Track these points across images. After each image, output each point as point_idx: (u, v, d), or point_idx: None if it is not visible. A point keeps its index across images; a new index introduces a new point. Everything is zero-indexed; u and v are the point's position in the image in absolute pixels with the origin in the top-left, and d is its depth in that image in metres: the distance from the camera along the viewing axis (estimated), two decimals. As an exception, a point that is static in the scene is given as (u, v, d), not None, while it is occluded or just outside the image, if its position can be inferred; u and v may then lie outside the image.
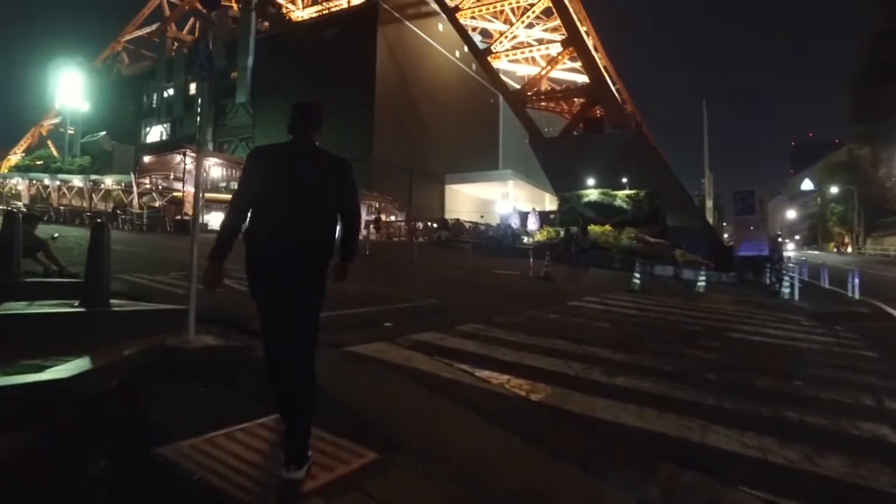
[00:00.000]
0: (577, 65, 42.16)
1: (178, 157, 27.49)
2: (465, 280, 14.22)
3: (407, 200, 46.87)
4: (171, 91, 61.44)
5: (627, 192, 28.10)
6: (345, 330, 6.04)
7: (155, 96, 63.32)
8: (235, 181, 32.80)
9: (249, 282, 2.71)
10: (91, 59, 74.64)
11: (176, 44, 65.23)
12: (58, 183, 36.18)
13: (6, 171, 54.45)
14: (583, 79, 41.30)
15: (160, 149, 29.75)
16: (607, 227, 25.11)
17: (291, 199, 2.70)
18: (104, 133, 48.72)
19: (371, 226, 30.81)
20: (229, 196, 28.32)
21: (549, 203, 57.38)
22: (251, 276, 2.70)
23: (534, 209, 29.24)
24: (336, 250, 2.88)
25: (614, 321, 8.58)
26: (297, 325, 2.73)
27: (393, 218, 41.54)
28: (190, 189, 26.48)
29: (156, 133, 61.78)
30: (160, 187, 31.72)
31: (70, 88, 45.06)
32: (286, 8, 66.48)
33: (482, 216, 43.37)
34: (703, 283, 15.01)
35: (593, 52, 39.12)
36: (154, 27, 73.90)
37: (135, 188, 30.44)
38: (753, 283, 18.66)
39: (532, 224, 26.77)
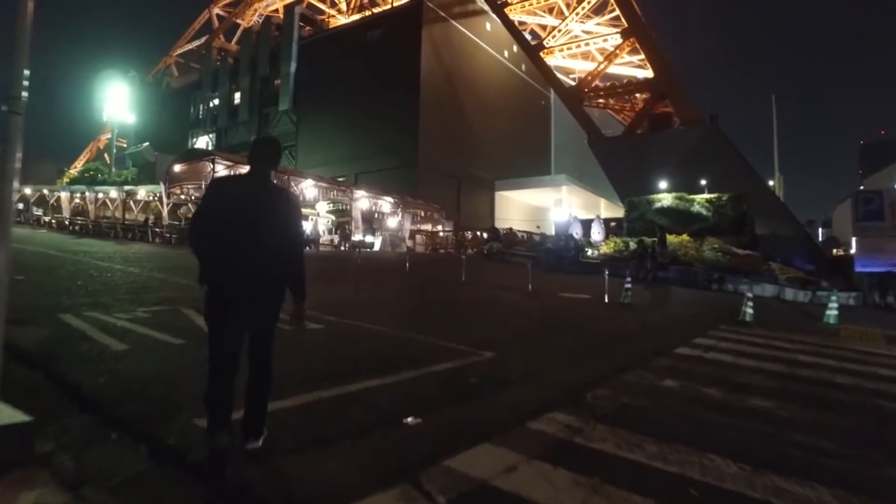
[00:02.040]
0: (637, 59, 38.72)
1: (210, 166, 25.63)
2: (526, 309, 11.23)
3: (455, 209, 44.17)
4: (216, 101, 61.11)
5: (707, 196, 24.41)
6: (326, 447, 3.26)
7: (201, 107, 63.21)
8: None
9: (209, 301, 3.04)
10: (144, 73, 75.88)
11: (221, 54, 64.89)
12: (93, 194, 35.29)
13: (63, 184, 55.06)
14: (643, 73, 37.84)
15: (190, 157, 27.99)
16: (685, 236, 21.63)
17: (246, 226, 2.97)
18: (147, 144, 48.27)
19: (414, 237, 28.29)
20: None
21: (605, 209, 53.64)
22: (212, 297, 3.03)
23: (598, 217, 26.03)
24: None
25: (773, 392, 5.46)
26: (256, 338, 3.10)
27: (440, 228, 38.90)
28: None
29: (202, 143, 61.47)
30: (193, 197, 30.20)
31: (118, 101, 44.85)
32: (329, 15, 65.61)
33: (538, 226, 40.16)
34: (835, 312, 11.57)
35: (656, 44, 35.41)
36: (203, 40, 74.39)
37: (164, 198, 28.89)
38: (886, 306, 14.93)
39: (596, 234, 23.55)
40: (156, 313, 7.50)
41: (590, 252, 22.47)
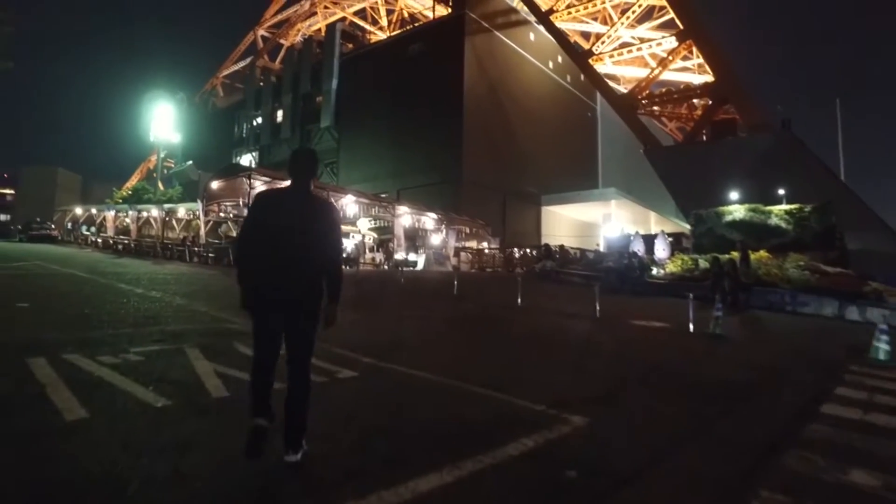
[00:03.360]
0: (693, 63, 36.40)
1: (247, 182, 24.70)
2: (603, 345, 9.31)
3: (500, 225, 42.37)
4: (259, 119, 61.52)
5: (786, 207, 21.86)
6: None
7: (245, 126, 63.78)
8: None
9: (254, 310, 3.21)
10: (192, 94, 77.60)
11: (265, 74, 65.50)
12: (136, 213, 35.12)
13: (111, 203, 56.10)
14: (701, 78, 35.44)
15: (227, 173, 27.22)
16: (763, 252, 19.28)
17: (289, 237, 3.19)
18: (190, 163, 48.49)
19: (458, 255, 26.63)
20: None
21: (655, 223, 50.96)
22: (256, 306, 3.21)
23: (662, 232, 23.75)
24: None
25: None
26: (295, 346, 3.27)
27: (485, 245, 37.16)
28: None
29: (245, 161, 61.84)
30: (232, 215, 29.45)
31: (164, 121, 45.30)
32: (370, 32, 65.62)
33: (597, 244, 37.94)
34: None
35: (716, 44, 33.05)
36: (248, 60, 75.53)
37: (201, 216, 28.19)
38: None
39: (661, 251, 21.36)
40: (152, 355, 6.04)
41: (655, 271, 20.32)
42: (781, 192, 23.96)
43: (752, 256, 18.39)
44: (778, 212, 21.44)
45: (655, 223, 50.58)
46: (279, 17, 76.04)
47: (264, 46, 75.05)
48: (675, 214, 54.87)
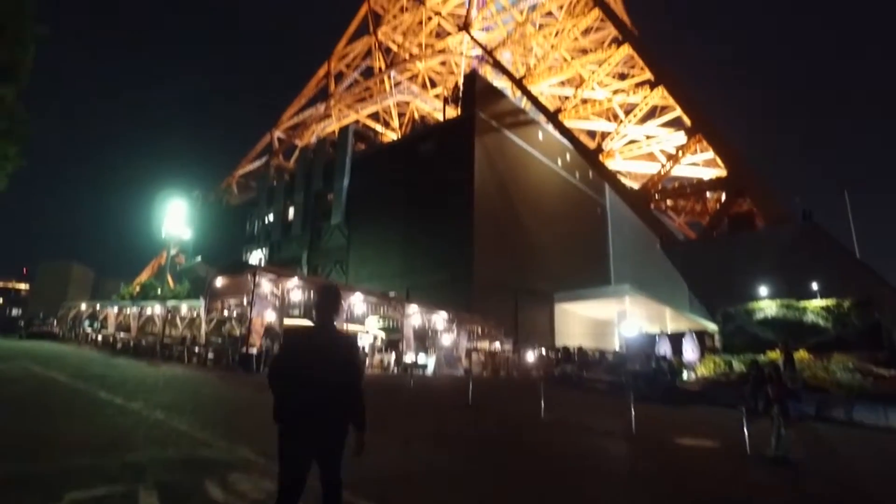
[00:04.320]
0: (702, 157, 36.46)
1: (252, 279, 23.81)
2: (653, 480, 7.76)
3: (512, 325, 40.85)
4: (270, 217, 62.06)
5: (823, 302, 20.47)
6: None
7: (256, 223, 64.23)
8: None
9: (281, 432, 3.50)
10: (208, 192, 79.33)
11: (278, 172, 67.03)
12: (137, 310, 34.18)
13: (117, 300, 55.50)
14: (714, 172, 35.32)
15: (231, 270, 26.44)
16: (802, 352, 17.72)
17: (314, 373, 3.54)
18: (199, 259, 48.21)
19: (470, 356, 25.07)
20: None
21: (671, 320, 49.24)
22: (283, 429, 3.50)
23: (690, 332, 22.31)
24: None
25: None
26: (324, 462, 3.54)
27: (498, 346, 35.54)
28: (257, 315, 22.51)
29: (255, 258, 61.72)
30: (235, 313, 28.35)
31: (177, 217, 45.72)
32: (383, 134, 67.79)
33: (621, 346, 36.21)
34: None
35: (726, 138, 33.10)
36: (263, 160, 77.78)
37: (203, 314, 27.15)
38: None
39: (690, 352, 19.83)
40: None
41: (686, 375, 18.69)
42: (815, 286, 22.66)
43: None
44: (814, 308, 20.05)
45: (671, 320, 48.86)
46: (295, 119, 79.06)
47: (280, 147, 77.46)
48: (690, 309, 53.18)
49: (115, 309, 37.91)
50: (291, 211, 59.66)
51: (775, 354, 15.90)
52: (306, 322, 30.58)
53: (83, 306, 44.22)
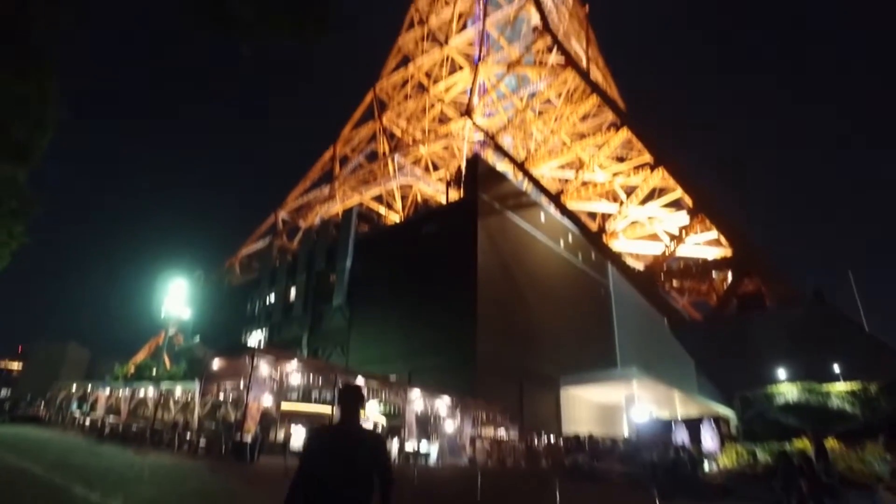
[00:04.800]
0: (706, 237, 36.39)
1: (250, 362, 22.99)
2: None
3: (517, 410, 39.29)
4: (272, 298, 61.60)
5: (848, 386, 19.46)
6: None
7: (258, 303, 63.67)
8: (323, 388, 27.85)
9: None
10: (210, 272, 79.35)
11: (281, 253, 67.27)
12: (129, 393, 32.90)
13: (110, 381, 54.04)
14: (719, 251, 35.13)
15: (229, 352, 25.66)
16: (832, 441, 16.61)
17: (342, 474, 3.62)
18: (197, 340, 47.27)
19: (474, 444, 23.72)
20: (312, 407, 22.32)
21: (680, 404, 47.47)
22: None
23: (708, 419, 21.08)
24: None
25: None
26: None
27: (503, 433, 33.95)
28: (254, 400, 21.50)
29: (254, 339, 60.69)
30: (231, 397, 27.22)
31: (177, 297, 45.17)
32: (386, 216, 68.63)
33: (631, 433, 34.64)
34: None
35: (729, 218, 33.16)
36: (267, 240, 78.28)
37: (197, 397, 26.03)
38: None
39: (710, 441, 18.68)
40: None
41: (707, 466, 17.47)
42: (836, 368, 21.70)
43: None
44: (839, 392, 19.05)
45: (680, 403, 47.11)
46: (300, 200, 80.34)
47: (283, 228, 78.18)
48: (699, 392, 51.40)
49: (106, 391, 36.58)
50: (293, 292, 59.26)
51: (802, 443, 14.89)
52: (305, 407, 29.32)
53: (73, 388, 42.75)
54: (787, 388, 20.02)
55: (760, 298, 29.41)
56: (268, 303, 62.23)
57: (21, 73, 10.40)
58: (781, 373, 23.04)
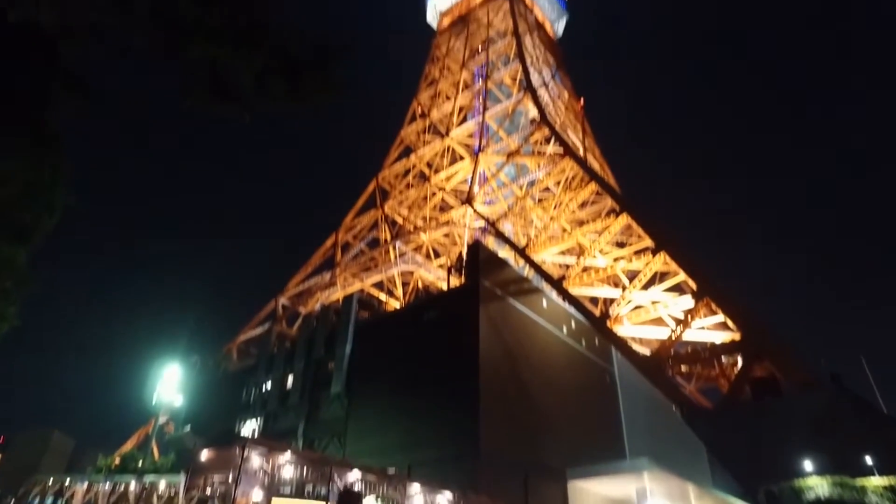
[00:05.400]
0: (712, 320, 35.80)
1: (240, 454, 21.83)
2: None
3: (523, 504, 37.00)
4: (268, 385, 59.93)
5: (885, 480, 18.13)
6: None
7: (254, 391, 61.82)
8: (317, 482, 26.30)
9: None
10: (206, 357, 77.62)
11: (280, 339, 66.32)
12: (108, 487, 31.02)
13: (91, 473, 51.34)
14: (728, 335, 34.44)
15: (219, 443, 24.45)
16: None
17: None
18: (188, 429, 45.39)
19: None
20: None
21: (695, 499, 44.78)
22: None
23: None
24: None
25: None
26: None
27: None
28: (243, 496, 20.17)
29: (249, 428, 58.36)
30: (219, 492, 25.58)
31: (170, 383, 43.91)
32: (386, 302, 68.28)
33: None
34: None
35: (735, 300, 32.76)
36: (266, 326, 77.29)
37: (181, 492, 24.47)
38: None
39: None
40: None
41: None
42: (868, 460, 20.39)
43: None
44: (875, 487, 17.74)
45: (695, 498, 44.36)
46: (301, 287, 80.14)
47: (283, 313, 77.45)
48: (713, 484, 48.68)
49: (84, 485, 34.52)
50: (290, 379, 57.68)
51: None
52: (298, 503, 27.62)
53: (50, 482, 40.39)
54: (816, 482, 18.71)
55: (774, 383, 28.38)
56: (264, 390, 60.39)
57: (35, 160, 10.32)
58: (807, 465, 21.64)
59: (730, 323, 32.35)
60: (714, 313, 33.97)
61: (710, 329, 36.59)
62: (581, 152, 62.95)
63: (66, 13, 7.34)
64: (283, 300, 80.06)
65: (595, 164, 65.43)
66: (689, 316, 34.17)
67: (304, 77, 8.32)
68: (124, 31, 7.77)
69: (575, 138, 69.21)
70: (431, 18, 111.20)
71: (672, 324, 37.34)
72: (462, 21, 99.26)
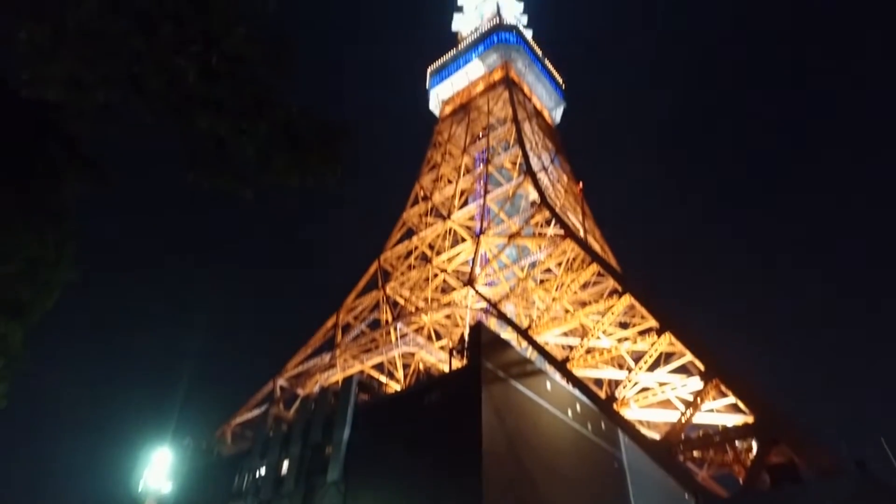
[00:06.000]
0: (723, 402, 34.80)
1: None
2: None
3: None
4: (262, 470, 57.57)
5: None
6: None
7: (247, 476, 59.29)
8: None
9: None
10: (199, 440, 74.97)
11: (276, 422, 64.49)
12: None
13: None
14: (739, 417, 33.32)
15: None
16: None
17: None
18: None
19: None
20: None
21: None
22: None
23: None
24: None
25: None
26: None
27: None
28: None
29: (239, 520, 55.49)
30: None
31: (159, 468, 42.07)
32: (386, 385, 66.95)
33: None
34: None
35: (747, 381, 31.97)
36: (263, 408, 75.27)
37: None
38: None
39: None
40: None
41: None
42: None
43: None
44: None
45: None
46: (300, 368, 78.79)
47: (281, 395, 75.72)
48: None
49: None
50: (286, 464, 55.46)
51: None
52: None
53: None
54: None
55: (794, 470, 27.11)
56: (258, 476, 57.93)
57: (41, 238, 10.28)
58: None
59: (741, 405, 31.43)
60: (724, 395, 33.11)
61: (722, 412, 35.48)
62: (582, 234, 63.80)
63: (79, 92, 7.59)
64: (281, 381, 78.49)
65: (596, 246, 66.14)
66: (699, 398, 33.21)
67: (307, 152, 8.49)
68: (133, 108, 8.01)
69: (575, 220, 70.38)
70: (434, 106, 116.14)
71: (681, 406, 36.25)
72: (463, 109, 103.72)
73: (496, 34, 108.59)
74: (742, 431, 31.63)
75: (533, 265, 63.66)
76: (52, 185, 9.75)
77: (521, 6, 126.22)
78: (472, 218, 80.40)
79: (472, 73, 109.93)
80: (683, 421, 33.63)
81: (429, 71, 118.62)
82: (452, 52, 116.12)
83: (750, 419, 30.46)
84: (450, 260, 77.28)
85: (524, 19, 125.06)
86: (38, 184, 9.39)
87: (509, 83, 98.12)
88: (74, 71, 7.06)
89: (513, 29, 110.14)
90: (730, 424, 33.50)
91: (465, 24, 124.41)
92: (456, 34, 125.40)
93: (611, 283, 51.16)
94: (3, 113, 8.40)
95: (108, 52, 7.26)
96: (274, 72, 7.92)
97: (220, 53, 7.40)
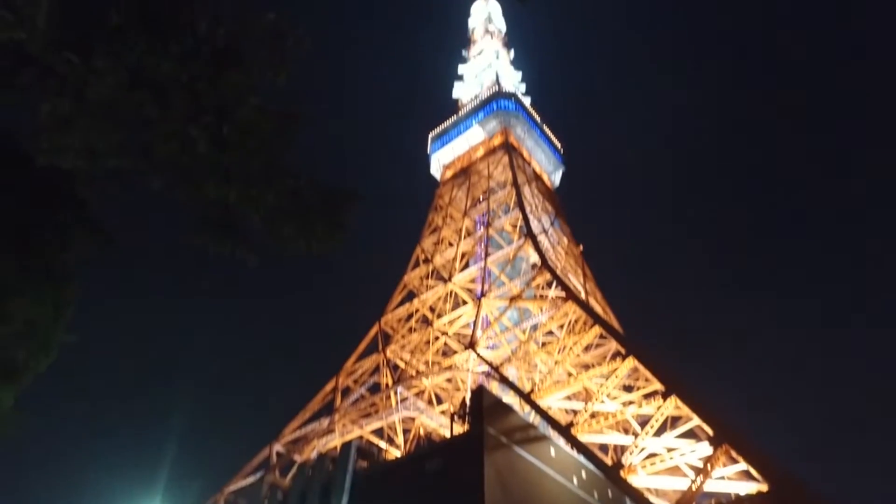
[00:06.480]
0: (735, 469, 33.67)
1: None
2: None
3: None
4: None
5: None
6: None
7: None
8: None
9: None
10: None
11: (272, 490, 62.27)
12: None
13: None
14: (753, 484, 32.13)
15: None
16: None
17: None
18: None
19: None
20: None
21: None
22: None
23: None
24: None
25: None
26: None
27: None
28: None
29: None
30: None
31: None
32: (386, 450, 65.14)
33: None
34: None
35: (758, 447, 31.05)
36: (258, 476, 72.84)
37: None
38: None
39: None
40: None
41: None
42: None
43: None
44: None
45: None
46: (298, 433, 76.82)
47: (277, 462, 73.46)
48: None
49: None
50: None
51: None
52: None
53: None
54: None
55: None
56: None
57: (39, 300, 10.22)
58: None
59: (754, 472, 30.45)
60: (735, 461, 32.12)
61: (733, 479, 34.32)
62: (583, 295, 63.73)
63: (92, 159, 7.75)
64: (277, 447, 76.34)
65: (597, 307, 65.90)
66: (709, 464, 32.21)
67: (313, 219, 8.60)
68: (142, 173, 8.15)
69: (576, 282, 70.45)
70: (435, 171, 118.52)
71: (691, 473, 35.06)
72: (464, 173, 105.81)
73: (496, 101, 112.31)
74: (756, 501, 30.50)
75: (535, 328, 63.16)
76: (57, 249, 9.82)
77: (519, 75, 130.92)
78: (473, 280, 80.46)
79: (472, 138, 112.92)
80: (694, 489, 32.46)
81: (430, 136, 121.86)
82: (453, 119, 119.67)
83: (764, 487, 29.45)
84: (451, 323, 76.79)
85: (522, 87, 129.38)
86: (44, 248, 9.45)
87: (509, 148, 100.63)
88: (90, 140, 7.28)
89: (511, 96, 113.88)
90: (743, 493, 32.34)
91: (466, 91, 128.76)
92: (456, 101, 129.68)
93: (613, 345, 50.66)
94: (20, 180, 8.62)
95: (122, 122, 7.51)
96: (283, 142, 8.16)
97: (232, 123, 7.65)
